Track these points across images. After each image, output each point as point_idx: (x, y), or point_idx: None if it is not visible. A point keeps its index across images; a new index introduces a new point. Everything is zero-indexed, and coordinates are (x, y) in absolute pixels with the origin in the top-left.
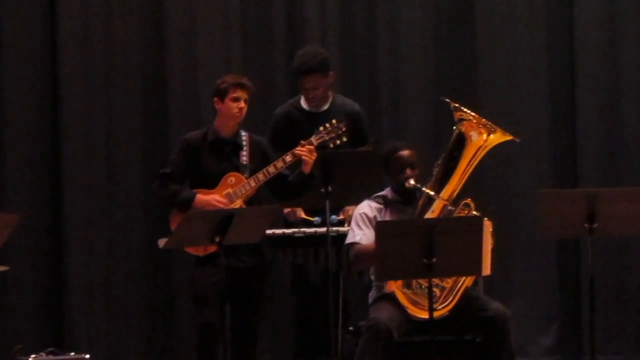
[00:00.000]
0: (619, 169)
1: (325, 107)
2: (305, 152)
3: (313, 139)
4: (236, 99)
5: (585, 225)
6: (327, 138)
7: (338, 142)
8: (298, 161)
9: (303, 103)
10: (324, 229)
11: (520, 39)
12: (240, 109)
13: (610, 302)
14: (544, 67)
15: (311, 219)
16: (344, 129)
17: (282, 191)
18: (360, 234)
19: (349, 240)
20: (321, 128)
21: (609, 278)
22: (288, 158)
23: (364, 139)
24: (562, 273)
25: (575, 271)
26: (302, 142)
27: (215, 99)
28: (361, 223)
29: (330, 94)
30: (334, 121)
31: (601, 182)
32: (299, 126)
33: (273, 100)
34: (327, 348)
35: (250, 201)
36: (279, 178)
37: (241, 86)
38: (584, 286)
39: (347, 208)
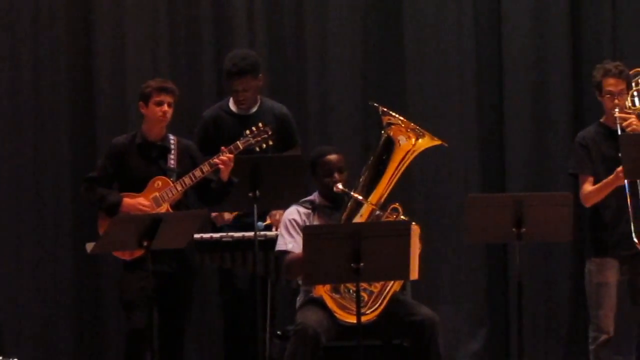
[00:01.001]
0: (546, 174)
1: (254, 109)
2: (223, 160)
3: (239, 142)
4: (159, 103)
5: (513, 230)
6: (253, 142)
7: (264, 145)
8: None
9: (232, 106)
10: (251, 234)
11: (448, 45)
12: (164, 112)
13: (538, 307)
14: (472, 73)
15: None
16: (270, 133)
17: (205, 196)
18: (292, 242)
19: (279, 247)
20: (247, 132)
21: (536, 283)
22: (214, 162)
23: (292, 142)
24: (490, 278)
25: (503, 276)
26: (222, 148)
27: (141, 103)
28: (291, 229)
29: (258, 96)
30: (260, 125)
31: (528, 187)
32: (228, 129)
33: (201, 103)
34: (254, 353)
35: (177, 205)
36: (204, 183)
37: (165, 90)
38: (512, 291)
39: (274, 212)
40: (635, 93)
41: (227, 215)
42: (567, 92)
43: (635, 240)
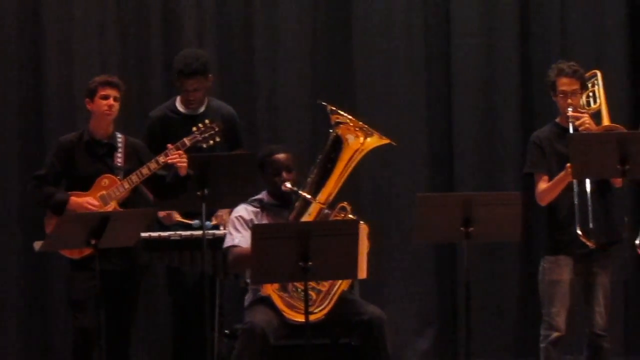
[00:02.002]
0: (494, 174)
1: (202, 109)
2: (176, 157)
3: (186, 139)
4: (105, 97)
5: (462, 229)
6: (200, 138)
7: (212, 142)
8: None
9: (179, 106)
10: (199, 232)
11: (397, 43)
12: (110, 106)
13: (487, 306)
14: (421, 72)
15: (189, 221)
16: (217, 129)
17: (160, 191)
18: (239, 237)
19: (227, 243)
20: (194, 128)
21: (484, 282)
22: (161, 159)
23: (238, 143)
24: (439, 277)
25: (451, 275)
26: (168, 146)
27: (87, 99)
28: (238, 226)
29: (206, 97)
30: (207, 121)
31: (477, 186)
32: (175, 129)
33: (149, 102)
34: (203, 351)
35: (125, 203)
36: (156, 178)
37: (110, 84)
38: (461, 290)
39: (220, 212)
40: (590, 94)
41: (176, 215)
42: (515, 91)
43: (579, 232)
